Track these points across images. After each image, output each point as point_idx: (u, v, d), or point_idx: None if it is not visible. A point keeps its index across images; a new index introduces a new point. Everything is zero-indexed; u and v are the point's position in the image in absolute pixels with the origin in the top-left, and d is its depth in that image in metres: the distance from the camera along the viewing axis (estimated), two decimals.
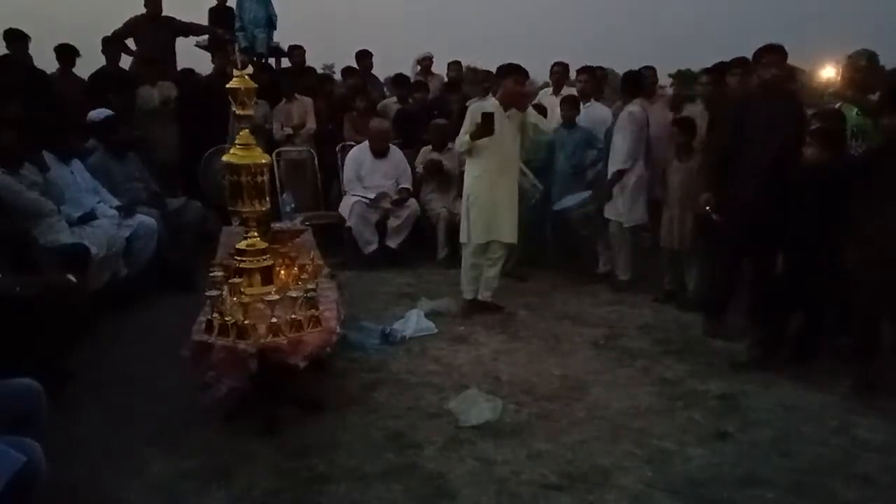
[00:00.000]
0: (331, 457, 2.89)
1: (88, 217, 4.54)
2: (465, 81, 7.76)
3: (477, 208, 4.62)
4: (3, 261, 3.24)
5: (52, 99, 5.76)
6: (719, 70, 5.07)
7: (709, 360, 3.98)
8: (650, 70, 6.12)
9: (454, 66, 7.82)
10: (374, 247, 5.82)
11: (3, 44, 6.23)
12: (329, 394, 3.42)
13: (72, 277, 3.41)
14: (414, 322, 4.33)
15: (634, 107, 5.01)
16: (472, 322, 4.53)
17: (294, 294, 3.00)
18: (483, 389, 3.50)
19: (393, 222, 5.86)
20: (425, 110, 6.80)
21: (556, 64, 6.55)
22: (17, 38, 6.28)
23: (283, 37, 8.02)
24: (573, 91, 6.00)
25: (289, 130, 6.55)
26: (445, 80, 7.74)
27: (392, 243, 5.87)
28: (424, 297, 4.93)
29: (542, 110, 5.49)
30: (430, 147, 6.15)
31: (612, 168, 5.03)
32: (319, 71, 8.00)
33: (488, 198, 4.58)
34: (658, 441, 3.06)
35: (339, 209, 5.99)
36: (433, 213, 5.96)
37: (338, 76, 8.09)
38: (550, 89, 6.60)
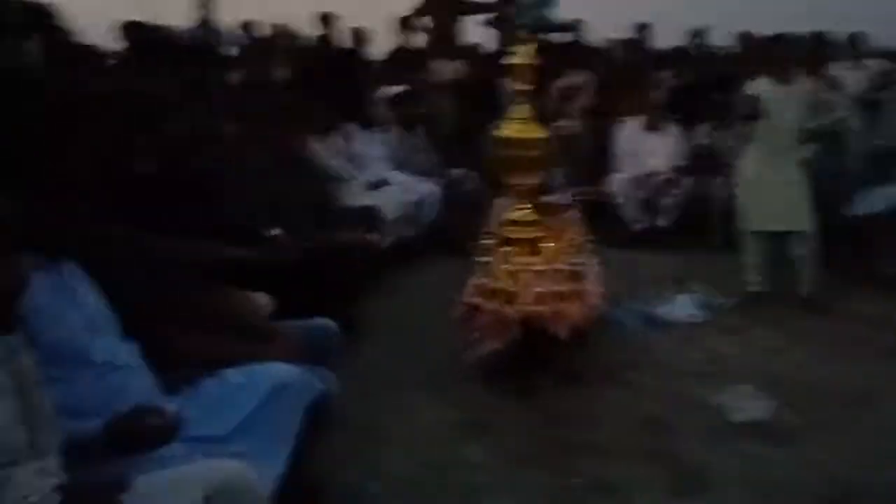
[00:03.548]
0: (585, 430, 2.91)
1: (382, 183, 5.04)
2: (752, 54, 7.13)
3: (743, 194, 4.33)
4: (312, 217, 3.75)
5: (356, 75, 6.45)
6: None
7: None
8: None
9: (743, 36, 7.20)
10: (642, 225, 5.66)
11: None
12: (587, 368, 3.42)
13: (372, 236, 3.83)
14: (681, 307, 4.15)
15: None
16: (749, 315, 4.20)
17: (559, 266, 3.06)
18: (755, 386, 3.26)
19: (664, 201, 5.64)
20: (706, 85, 6.39)
21: None
22: (330, 21, 7.11)
23: (568, 12, 8.05)
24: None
25: (557, 105, 6.55)
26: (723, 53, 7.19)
27: (662, 223, 5.66)
28: (695, 282, 4.68)
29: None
30: (709, 125, 5.80)
31: None
32: (597, 45, 7.90)
33: (754, 184, 4.24)
34: None
35: (609, 185, 5.91)
36: (709, 192, 5.61)
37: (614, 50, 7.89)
38: None
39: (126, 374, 1.86)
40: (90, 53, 3.96)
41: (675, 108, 6.20)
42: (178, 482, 1.59)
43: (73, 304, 1.80)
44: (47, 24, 4.86)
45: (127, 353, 1.90)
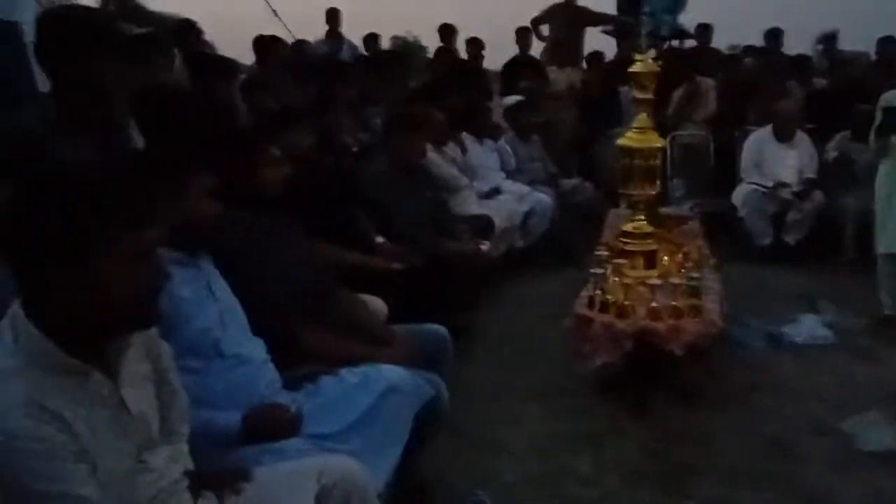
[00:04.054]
0: (702, 450, 2.81)
1: (494, 192, 5.07)
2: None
3: (877, 211, 4.05)
4: (427, 225, 3.83)
5: (474, 85, 6.52)
6: None
7: None
8: None
9: (883, 41, 6.69)
10: (767, 240, 5.38)
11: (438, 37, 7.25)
12: (705, 387, 3.28)
13: (484, 245, 3.88)
14: (808, 327, 3.91)
15: None
16: (882, 338, 3.90)
17: (676, 281, 2.97)
18: (885, 414, 3.03)
19: (792, 215, 5.34)
20: (844, 93, 6.00)
21: None
22: (449, 32, 7.24)
23: (696, 18, 7.82)
24: None
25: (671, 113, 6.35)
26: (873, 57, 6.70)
27: (789, 238, 5.36)
28: (824, 301, 4.40)
29: None
30: (847, 134, 5.44)
31: None
32: (725, 51, 7.62)
33: (888, 200, 3.95)
34: None
35: (732, 197, 5.66)
36: (841, 208, 5.27)
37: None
38: None
39: (253, 369, 1.97)
40: (229, 67, 4.22)
41: (808, 118, 5.88)
42: (294, 474, 1.68)
43: (208, 299, 1.92)
44: (191, 39, 5.24)
45: (254, 348, 2.02)
